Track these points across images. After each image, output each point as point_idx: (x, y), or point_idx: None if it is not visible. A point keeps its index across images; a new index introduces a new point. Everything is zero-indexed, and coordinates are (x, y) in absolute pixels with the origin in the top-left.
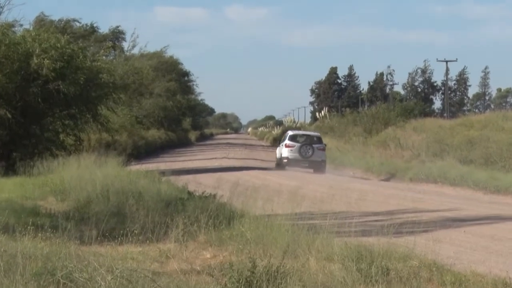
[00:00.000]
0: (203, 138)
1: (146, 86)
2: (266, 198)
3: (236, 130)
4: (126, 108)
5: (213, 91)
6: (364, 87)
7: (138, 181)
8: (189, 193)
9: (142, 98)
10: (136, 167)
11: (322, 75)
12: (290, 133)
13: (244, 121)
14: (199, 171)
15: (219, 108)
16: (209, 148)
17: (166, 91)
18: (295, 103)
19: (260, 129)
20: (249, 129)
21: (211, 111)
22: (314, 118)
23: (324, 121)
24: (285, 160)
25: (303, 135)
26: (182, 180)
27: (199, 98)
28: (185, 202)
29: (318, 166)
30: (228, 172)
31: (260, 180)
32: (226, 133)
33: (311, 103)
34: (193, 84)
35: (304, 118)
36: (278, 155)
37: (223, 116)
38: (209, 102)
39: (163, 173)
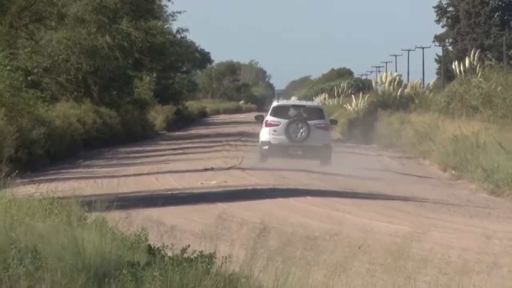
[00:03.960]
0: (184, 121)
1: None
2: (332, 263)
3: (261, 103)
4: (3, 51)
5: (207, 15)
6: None
7: (31, 223)
8: (151, 251)
9: (41, 28)
10: (28, 188)
11: None
12: (274, 104)
13: (280, 83)
14: (174, 199)
15: (220, 53)
16: (197, 145)
17: (96, 11)
18: (400, 41)
19: (318, 99)
20: (293, 100)
21: (203, 59)
22: (446, 75)
23: (471, 80)
24: (266, 147)
25: (295, 106)
26: (134, 220)
27: (174, 28)
28: (142, 272)
29: (319, 155)
30: (243, 201)
31: (318, 221)
32: (238, 109)
33: (438, 40)
34: None
35: (423, 73)
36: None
37: (231, 69)
38: (198, 39)
39: (89, 203)
